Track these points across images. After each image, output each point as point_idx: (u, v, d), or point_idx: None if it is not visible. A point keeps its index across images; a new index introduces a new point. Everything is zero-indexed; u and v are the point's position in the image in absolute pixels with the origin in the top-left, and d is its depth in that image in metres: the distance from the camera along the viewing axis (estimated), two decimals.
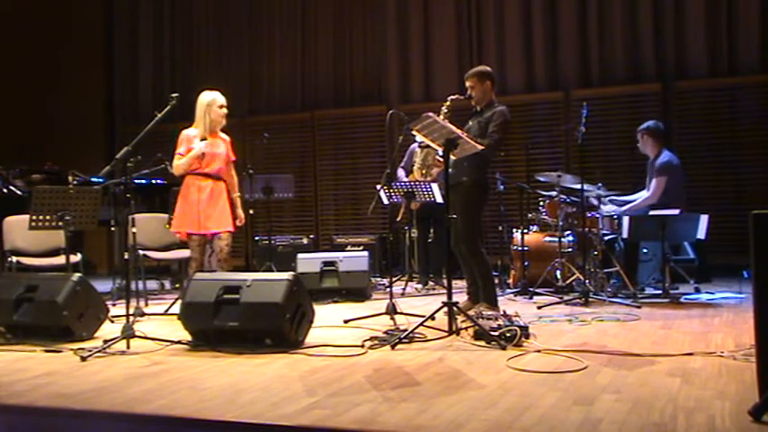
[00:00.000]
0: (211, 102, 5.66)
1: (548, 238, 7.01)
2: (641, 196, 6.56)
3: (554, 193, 6.70)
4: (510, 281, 7.20)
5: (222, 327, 4.21)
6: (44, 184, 7.07)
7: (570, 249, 6.80)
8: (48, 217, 5.35)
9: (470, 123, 5.29)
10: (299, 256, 6.97)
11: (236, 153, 5.94)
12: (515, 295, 6.55)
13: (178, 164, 5.62)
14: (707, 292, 6.37)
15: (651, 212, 6.17)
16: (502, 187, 7.11)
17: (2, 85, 10.06)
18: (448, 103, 5.26)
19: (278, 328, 4.12)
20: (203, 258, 5.71)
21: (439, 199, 6.20)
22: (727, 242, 7.85)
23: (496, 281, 5.84)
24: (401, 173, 7.33)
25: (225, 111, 5.71)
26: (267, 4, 10.39)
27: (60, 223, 5.35)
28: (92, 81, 10.99)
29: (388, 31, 9.76)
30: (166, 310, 5.80)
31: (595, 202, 6.58)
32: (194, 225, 5.58)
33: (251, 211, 7.28)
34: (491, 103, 5.28)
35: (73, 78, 10.68)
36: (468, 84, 5.32)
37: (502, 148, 5.43)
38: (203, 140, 5.59)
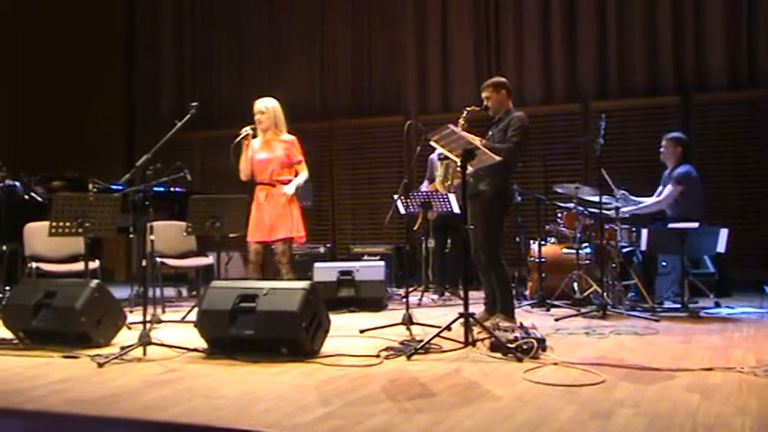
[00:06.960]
0: (254, 110, 5.87)
1: (565, 250, 6.97)
2: (651, 200, 6.50)
3: (572, 205, 6.67)
4: (527, 292, 7.16)
5: (238, 335, 4.21)
6: (64, 191, 7.13)
7: (588, 261, 6.75)
8: (67, 223, 5.39)
9: (491, 133, 5.34)
10: (316, 264, 6.98)
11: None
12: (532, 307, 6.51)
13: (240, 170, 5.84)
14: (727, 307, 6.30)
15: (670, 225, 6.12)
16: (519, 198, 7.09)
17: (23, 93, 10.19)
18: (464, 114, 5.31)
19: (294, 337, 4.13)
20: (258, 264, 5.85)
21: (456, 209, 6.18)
22: (749, 256, 7.77)
23: (514, 292, 5.81)
24: (425, 186, 7.30)
25: (257, 116, 5.85)
26: (287, 13, 10.45)
27: (80, 230, 5.39)
28: (113, 89, 11.08)
29: (407, 42, 9.78)
30: (183, 318, 5.82)
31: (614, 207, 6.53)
32: (254, 234, 5.79)
33: None
34: (508, 110, 5.34)
35: (94, 86, 10.78)
36: (483, 95, 5.38)
37: (520, 159, 5.44)
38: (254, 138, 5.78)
